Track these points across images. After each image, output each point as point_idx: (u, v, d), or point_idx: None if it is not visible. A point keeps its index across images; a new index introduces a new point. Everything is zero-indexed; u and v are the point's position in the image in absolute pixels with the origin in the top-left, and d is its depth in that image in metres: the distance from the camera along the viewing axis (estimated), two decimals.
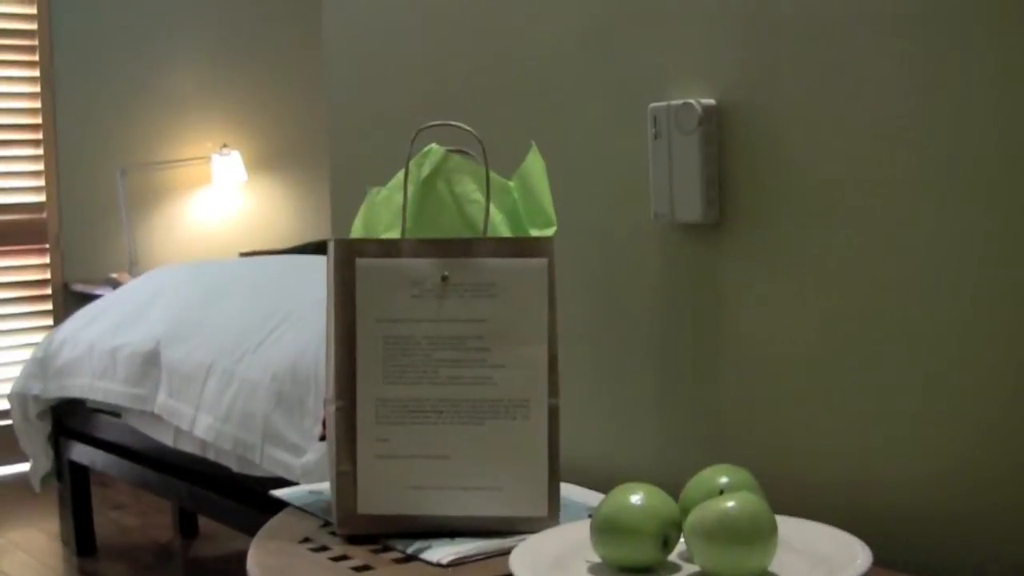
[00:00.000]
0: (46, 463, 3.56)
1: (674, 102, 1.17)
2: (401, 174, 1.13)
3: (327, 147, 1.65)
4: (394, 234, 1.13)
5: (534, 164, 1.14)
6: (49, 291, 4.94)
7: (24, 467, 4.19)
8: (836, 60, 1.05)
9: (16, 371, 4.74)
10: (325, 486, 1.27)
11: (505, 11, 1.37)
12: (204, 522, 3.69)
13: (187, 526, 3.68)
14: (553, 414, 1.10)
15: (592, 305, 1.28)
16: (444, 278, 1.09)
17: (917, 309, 1.01)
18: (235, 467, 2.58)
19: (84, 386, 3.24)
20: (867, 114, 1.03)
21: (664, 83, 1.20)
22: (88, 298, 4.69)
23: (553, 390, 1.10)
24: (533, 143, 1.15)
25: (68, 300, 4.90)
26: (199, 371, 2.73)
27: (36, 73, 4.92)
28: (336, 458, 1.09)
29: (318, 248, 4.06)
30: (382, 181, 1.57)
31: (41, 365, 3.46)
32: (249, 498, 2.61)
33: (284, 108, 5.49)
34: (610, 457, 1.29)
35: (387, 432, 1.09)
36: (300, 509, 1.23)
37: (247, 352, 2.63)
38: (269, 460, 2.44)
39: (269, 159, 5.47)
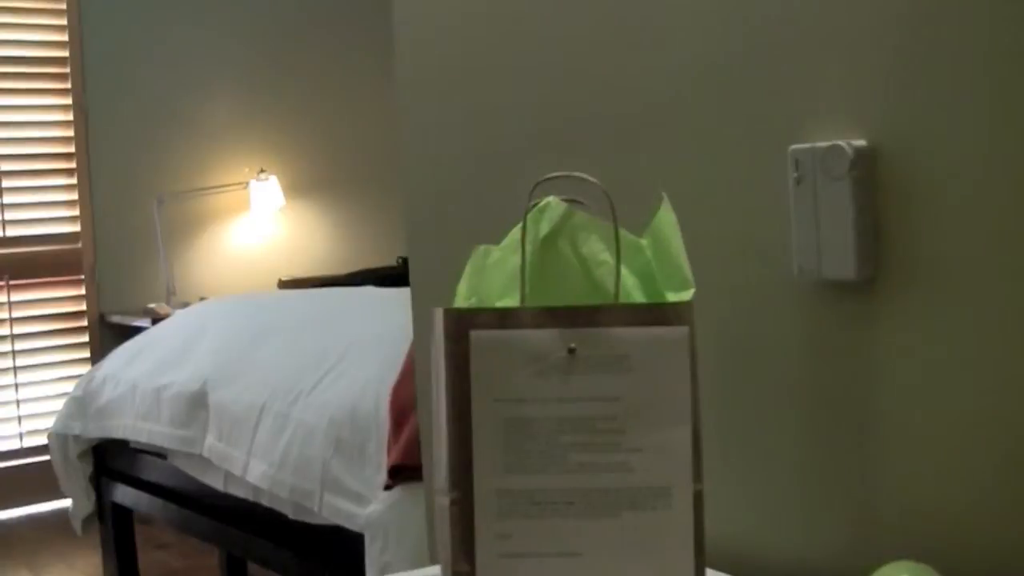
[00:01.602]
0: (87, 505, 3.44)
1: (819, 144, 1.04)
2: (515, 233, 1.00)
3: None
4: (511, 301, 1.00)
5: (666, 219, 1.00)
6: (85, 323, 4.84)
7: (64, 503, 4.09)
8: (1007, 93, 0.92)
9: (53, 405, 4.66)
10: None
11: (621, 40, 1.23)
12: (254, 566, 3.56)
13: (235, 570, 3.55)
14: (698, 502, 0.97)
15: (724, 371, 1.15)
16: (571, 351, 0.95)
17: None
18: (291, 514, 2.46)
19: (127, 427, 3.12)
20: None
21: (806, 122, 1.07)
22: (125, 329, 4.59)
23: (697, 474, 0.97)
24: (664, 195, 1.02)
25: (105, 332, 4.81)
26: (250, 413, 2.61)
27: (68, 101, 4.84)
28: (452, 558, 0.96)
29: (366, 278, 3.94)
30: (467, 229, 1.45)
31: (81, 404, 3.35)
32: (307, 547, 2.48)
33: (322, 132, 5.39)
34: (747, 541, 1.15)
35: (510, 527, 0.96)
36: None
37: (302, 394, 2.51)
38: (329, 509, 2.32)
39: (307, 184, 5.36)
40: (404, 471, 2.12)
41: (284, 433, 2.47)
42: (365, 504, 2.22)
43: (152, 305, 4.68)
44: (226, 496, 2.72)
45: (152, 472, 3.15)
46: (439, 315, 0.97)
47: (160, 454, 3.04)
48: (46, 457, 4.24)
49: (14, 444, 4.67)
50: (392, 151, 5.51)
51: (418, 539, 2.09)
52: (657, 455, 0.96)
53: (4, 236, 4.70)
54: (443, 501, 0.97)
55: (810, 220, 1.05)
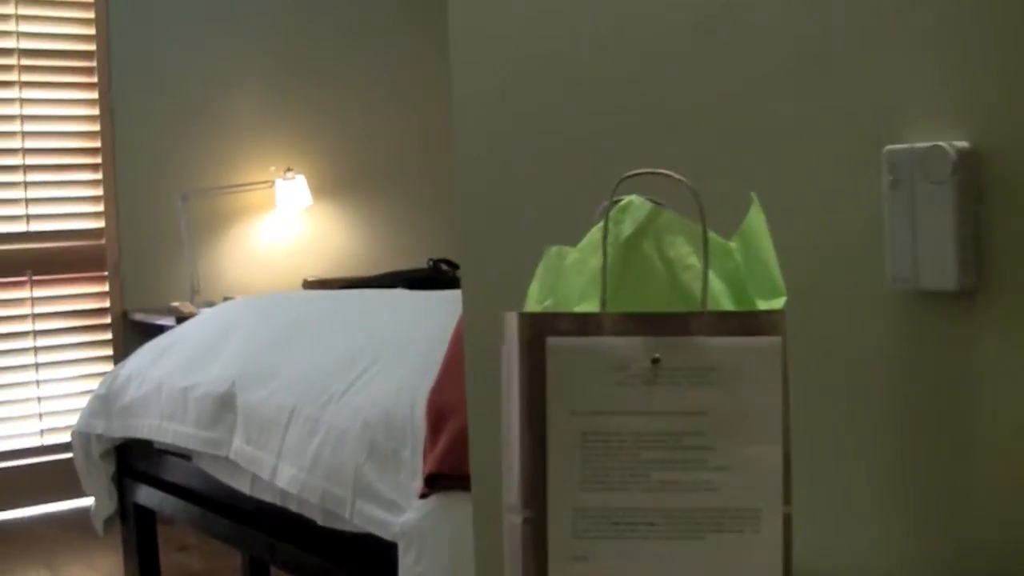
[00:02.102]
0: (109, 505, 3.38)
1: (918, 145, 0.97)
2: (594, 233, 0.94)
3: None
4: (590, 306, 0.93)
5: (756, 221, 0.94)
6: (108, 320, 4.79)
7: (84, 502, 4.04)
8: None
9: (74, 402, 4.61)
10: None
11: (703, 33, 1.17)
12: (275, 569, 3.50)
13: (257, 574, 3.49)
14: (787, 525, 0.90)
15: (810, 386, 1.08)
16: (655, 361, 0.89)
17: None
18: (320, 520, 2.39)
19: (152, 427, 3.07)
20: None
21: (903, 121, 1.00)
22: (148, 327, 4.54)
23: (787, 496, 0.90)
24: (754, 195, 0.95)
25: (127, 330, 4.76)
26: (280, 416, 2.55)
27: (94, 96, 4.79)
28: None
29: (395, 280, 3.88)
30: (525, 229, 1.38)
31: (104, 403, 3.30)
32: (336, 554, 2.42)
33: (350, 132, 5.33)
34: (836, 569, 1.09)
35: (586, 549, 0.89)
36: None
37: (333, 396, 2.44)
38: (361, 516, 2.25)
39: (334, 184, 5.31)
40: (441, 479, 2.06)
41: (315, 437, 2.41)
42: (398, 512, 2.16)
43: (176, 303, 4.63)
44: (252, 500, 2.66)
45: (176, 473, 3.10)
46: (512, 319, 0.91)
47: (184, 455, 2.98)
48: (66, 455, 4.20)
49: (34, 442, 4.63)
50: (420, 154, 5.48)
51: (454, 550, 2.03)
52: (745, 474, 0.90)
53: (28, 231, 4.65)
54: (515, 519, 0.91)
55: (906, 226, 0.98)
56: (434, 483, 2.07)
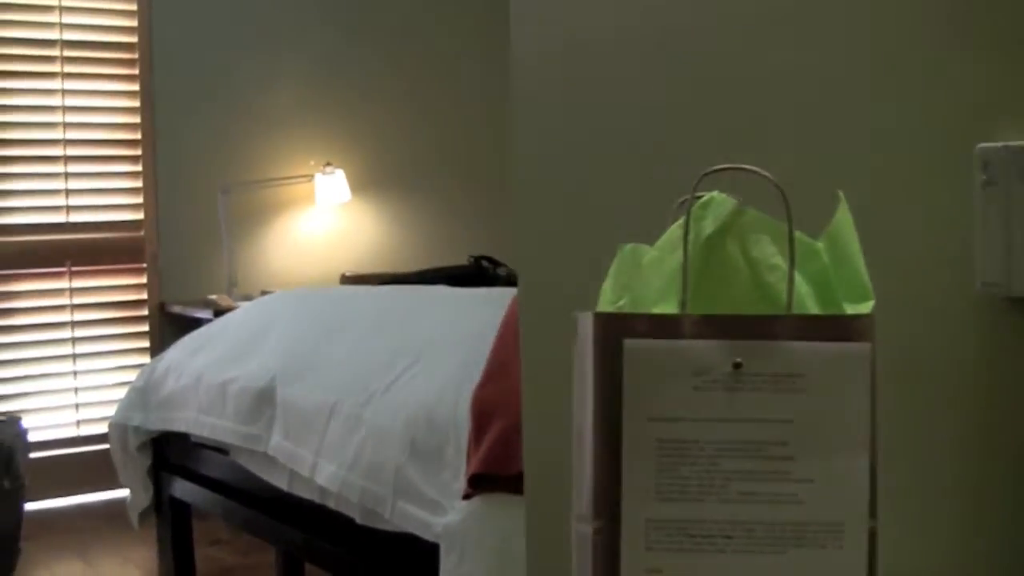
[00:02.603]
0: (145, 498, 3.37)
1: (1013, 143, 0.92)
2: (673, 230, 0.89)
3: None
4: (668, 307, 0.89)
5: (844, 221, 0.89)
6: (145, 312, 4.78)
7: (119, 493, 4.03)
8: None
9: (110, 394, 4.61)
10: None
11: (784, 23, 1.12)
12: (310, 565, 3.47)
13: (291, 570, 3.46)
14: (873, 541, 0.86)
15: (892, 394, 1.03)
16: (736, 365, 0.84)
17: None
18: (358, 518, 2.36)
19: (189, 420, 3.05)
20: None
21: (997, 117, 0.95)
22: (185, 320, 4.53)
23: (873, 510, 0.86)
24: (841, 194, 0.90)
25: (164, 322, 4.74)
26: (320, 412, 2.52)
27: (136, 88, 4.78)
28: None
29: (435, 276, 3.84)
30: (586, 225, 1.34)
31: (142, 395, 3.28)
32: (374, 554, 2.39)
33: (390, 127, 5.31)
34: None
35: (660, 562, 0.85)
36: None
37: (375, 394, 2.41)
38: (400, 516, 2.22)
39: (373, 179, 5.28)
40: (486, 480, 2.02)
41: (356, 434, 2.38)
42: (440, 512, 2.12)
43: (213, 296, 4.61)
44: (289, 496, 2.64)
45: (213, 467, 3.07)
46: (587, 320, 0.87)
47: (221, 449, 2.96)
48: (101, 446, 4.19)
49: (70, 432, 4.62)
50: (458, 151, 5.44)
51: (498, 552, 1.99)
52: (830, 487, 0.85)
53: (68, 221, 4.65)
54: (585, 529, 0.87)
55: (1000, 229, 0.93)
56: (478, 484, 2.03)
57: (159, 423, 3.20)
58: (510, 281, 3.97)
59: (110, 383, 4.68)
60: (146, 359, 4.61)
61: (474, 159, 5.49)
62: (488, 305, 2.72)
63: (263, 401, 2.72)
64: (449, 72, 5.50)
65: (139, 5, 4.76)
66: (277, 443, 2.64)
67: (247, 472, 2.82)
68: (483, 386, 2.16)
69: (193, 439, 3.09)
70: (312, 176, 4.99)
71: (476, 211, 5.46)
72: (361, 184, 5.20)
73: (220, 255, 4.84)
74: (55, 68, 4.61)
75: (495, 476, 2.00)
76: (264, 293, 4.38)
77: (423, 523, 2.16)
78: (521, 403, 1.46)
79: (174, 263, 4.82)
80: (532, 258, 1.43)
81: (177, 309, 4.69)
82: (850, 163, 1.06)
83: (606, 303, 0.93)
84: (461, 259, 4.51)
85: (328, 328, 2.83)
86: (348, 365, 2.58)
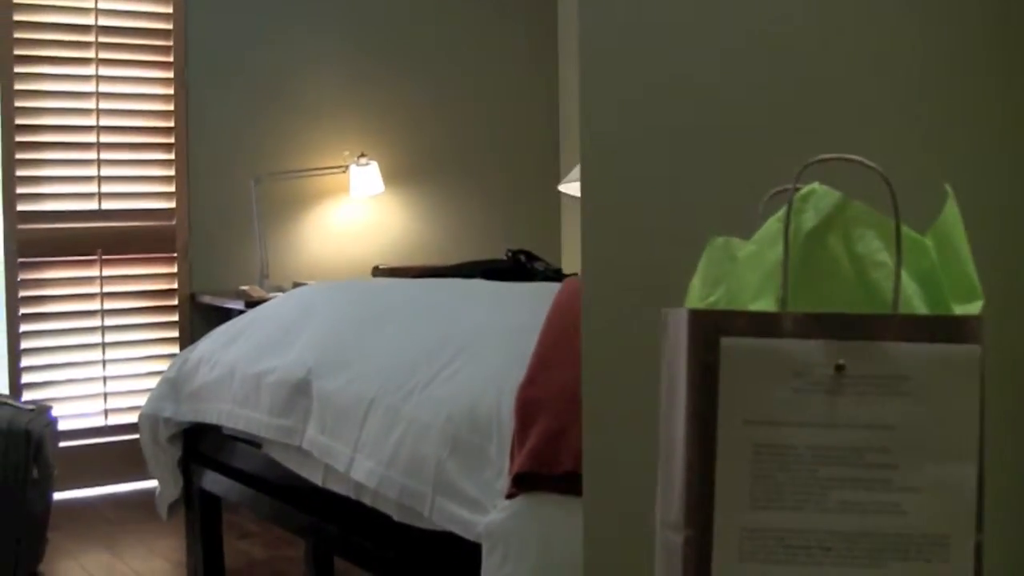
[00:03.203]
0: (174, 490, 3.33)
1: None
2: (772, 224, 0.84)
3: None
4: (766, 305, 0.84)
5: (952, 216, 0.84)
6: (176, 302, 4.75)
7: (147, 484, 4.00)
8: None
9: (139, 383, 4.58)
10: None
11: (880, 5, 1.06)
12: (340, 560, 3.44)
13: (321, 564, 3.42)
14: (979, 555, 0.81)
15: (1002, 400, 0.98)
16: (839, 368, 0.80)
17: None
18: (395, 516, 2.31)
19: (222, 412, 3.00)
20: None
21: None
22: (216, 311, 4.50)
23: (980, 522, 0.81)
24: (949, 188, 0.85)
25: (195, 312, 4.71)
26: (358, 406, 2.47)
27: (170, 75, 4.75)
28: None
29: (472, 270, 3.80)
30: (656, 219, 1.29)
31: (174, 386, 3.24)
32: (412, 552, 2.35)
33: (424, 118, 5.26)
34: None
35: (754, 573, 0.80)
36: None
37: (416, 388, 2.36)
38: (440, 514, 2.17)
39: (407, 172, 5.24)
40: (530, 479, 1.97)
41: (395, 429, 2.33)
42: (481, 511, 2.07)
43: (244, 287, 4.57)
44: (324, 491, 2.59)
45: (245, 461, 3.03)
46: (680, 316, 0.82)
47: (254, 442, 2.92)
48: (130, 436, 4.17)
49: (99, 422, 4.60)
50: (493, 144, 5.40)
51: (543, 553, 1.94)
52: (935, 497, 0.80)
53: (99, 209, 4.62)
54: (675, 538, 0.82)
55: None
56: (523, 483, 1.98)
57: (191, 414, 3.16)
58: (547, 276, 3.93)
59: (139, 373, 4.65)
60: (176, 349, 4.58)
61: (509, 153, 5.45)
62: (530, 300, 2.67)
63: (299, 394, 2.67)
64: (485, 65, 5.46)
65: None
66: (312, 437, 2.60)
67: (280, 466, 2.77)
68: (528, 384, 2.11)
69: (224, 431, 3.05)
70: (347, 167, 4.95)
71: (508, 206, 5.42)
72: (394, 177, 5.16)
73: (252, 246, 4.81)
74: (90, 54, 4.58)
75: (540, 475, 1.96)
76: (296, 285, 4.34)
77: (463, 522, 2.11)
78: (577, 401, 1.41)
79: (205, 253, 4.79)
80: (597, 252, 1.38)
81: (208, 299, 4.66)
82: (956, 157, 1.01)
83: (695, 299, 0.89)
84: (494, 253, 4.45)
85: (366, 320, 2.79)
86: (387, 358, 2.53)
